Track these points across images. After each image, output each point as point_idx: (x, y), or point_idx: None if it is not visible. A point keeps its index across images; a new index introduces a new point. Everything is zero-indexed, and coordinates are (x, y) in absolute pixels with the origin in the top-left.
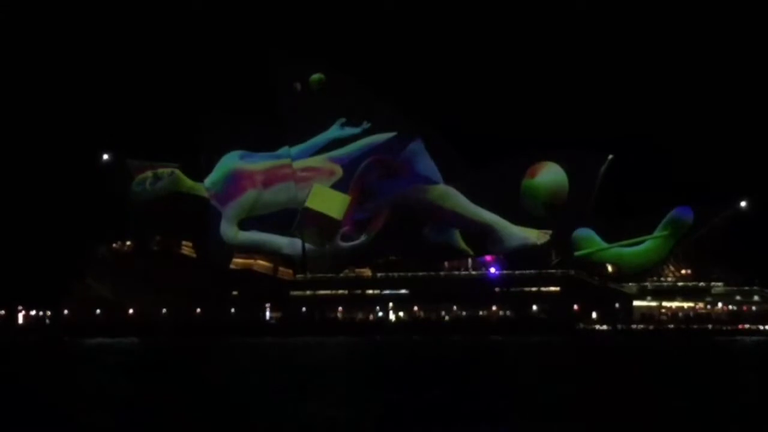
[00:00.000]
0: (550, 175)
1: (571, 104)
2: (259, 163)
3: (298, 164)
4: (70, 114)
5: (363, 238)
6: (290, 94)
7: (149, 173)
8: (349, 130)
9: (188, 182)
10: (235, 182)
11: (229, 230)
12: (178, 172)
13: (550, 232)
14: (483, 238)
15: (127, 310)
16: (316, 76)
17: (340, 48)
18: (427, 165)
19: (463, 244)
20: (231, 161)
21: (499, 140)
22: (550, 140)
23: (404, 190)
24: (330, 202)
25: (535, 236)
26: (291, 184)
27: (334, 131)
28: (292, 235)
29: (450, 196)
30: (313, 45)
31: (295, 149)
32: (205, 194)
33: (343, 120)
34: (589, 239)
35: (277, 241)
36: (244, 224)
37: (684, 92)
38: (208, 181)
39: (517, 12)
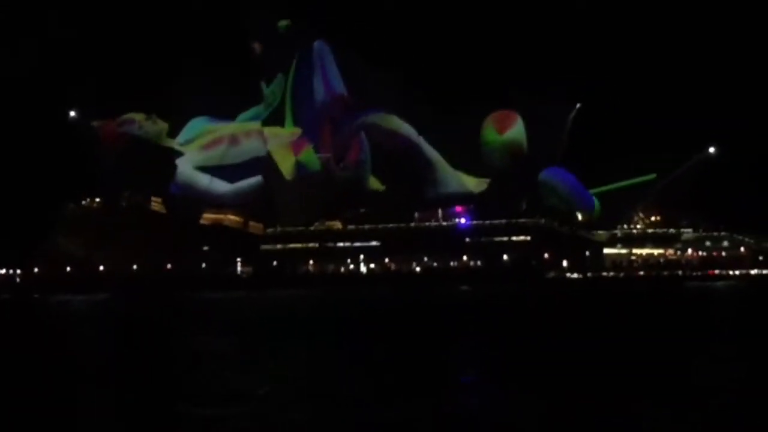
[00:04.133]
0: (517, 129)
1: (540, 50)
2: (227, 125)
3: (257, 126)
4: (37, 70)
5: (348, 171)
6: (251, 53)
7: (141, 115)
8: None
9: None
10: (206, 138)
11: (193, 174)
12: (162, 122)
13: (488, 180)
14: (418, 179)
15: (98, 267)
16: (283, 22)
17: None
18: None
19: (375, 184)
20: (200, 123)
21: (468, 86)
22: (519, 87)
23: (367, 116)
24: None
25: (473, 184)
26: (256, 141)
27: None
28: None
29: (403, 125)
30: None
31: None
32: (178, 148)
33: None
34: (549, 185)
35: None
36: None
37: (655, 36)
38: (181, 138)
39: None
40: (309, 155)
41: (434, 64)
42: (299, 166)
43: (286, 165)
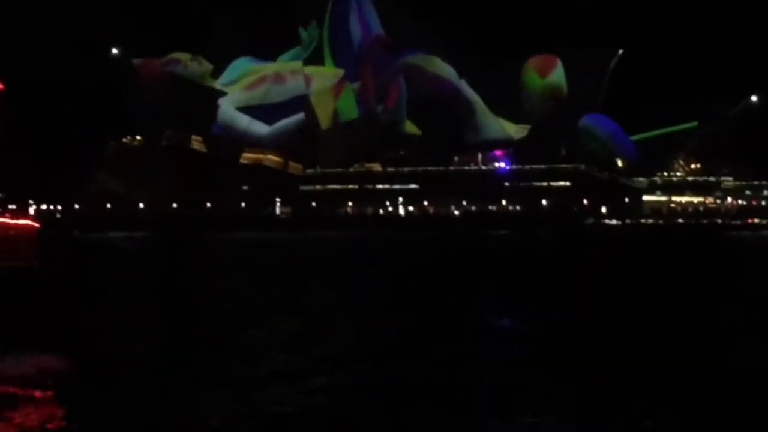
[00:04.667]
0: (558, 73)
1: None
2: (270, 65)
3: (299, 65)
4: (79, 8)
5: (388, 113)
6: None
7: (187, 56)
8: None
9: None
10: (250, 78)
11: (234, 115)
12: (207, 63)
13: (528, 126)
14: (459, 123)
15: (138, 205)
16: None
17: None
18: (369, 10)
19: (413, 128)
20: (244, 63)
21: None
22: (561, 32)
23: (408, 57)
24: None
25: (513, 130)
26: (300, 79)
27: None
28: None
29: (447, 69)
30: None
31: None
32: (221, 88)
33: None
34: (589, 131)
35: (258, 127)
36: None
37: None
38: (224, 79)
39: None
40: (348, 100)
41: (474, 7)
42: (339, 109)
43: (326, 107)
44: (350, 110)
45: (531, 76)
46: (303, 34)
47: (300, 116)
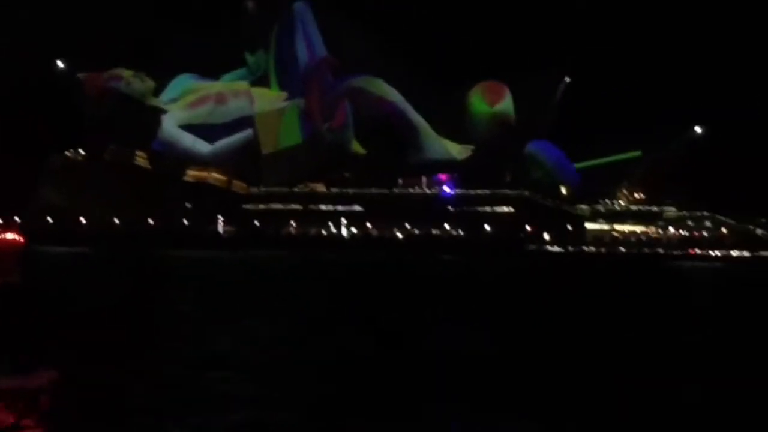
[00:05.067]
0: (507, 102)
1: (530, 22)
2: (213, 83)
3: (244, 85)
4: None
5: (332, 133)
6: (244, 12)
7: (129, 72)
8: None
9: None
10: (192, 96)
11: (176, 133)
12: (150, 80)
13: (472, 147)
14: (403, 144)
15: (80, 220)
16: None
17: None
18: (314, 32)
19: (359, 149)
20: (186, 81)
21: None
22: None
23: (353, 80)
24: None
25: (456, 151)
26: (243, 100)
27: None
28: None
29: (392, 91)
30: None
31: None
32: (163, 107)
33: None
34: (534, 158)
35: (204, 148)
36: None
37: (646, 14)
38: (166, 96)
39: None
40: (291, 125)
41: (420, 30)
42: (281, 134)
43: (269, 131)
44: (293, 135)
45: (478, 102)
46: (249, 59)
47: (244, 135)
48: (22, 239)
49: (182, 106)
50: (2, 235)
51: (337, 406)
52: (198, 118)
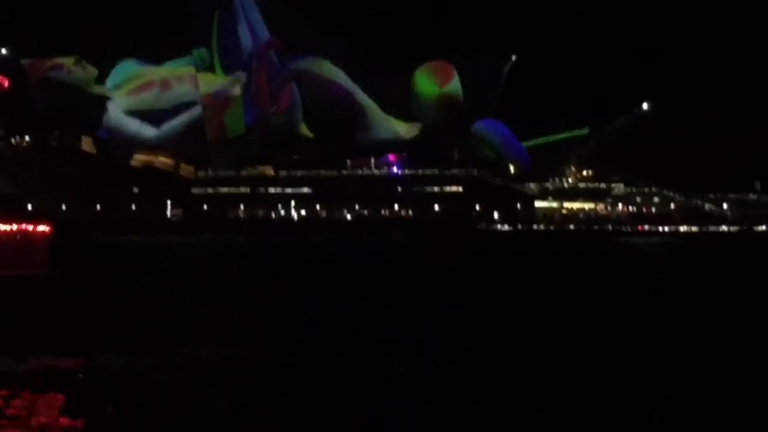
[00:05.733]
0: (455, 82)
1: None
2: (156, 69)
3: (188, 70)
4: None
5: (279, 116)
6: None
7: (70, 60)
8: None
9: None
10: (136, 82)
11: (121, 119)
12: (92, 68)
13: (419, 125)
14: (351, 124)
15: (27, 206)
16: None
17: None
18: (256, 17)
19: (307, 131)
20: (129, 66)
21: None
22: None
23: (299, 62)
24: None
25: (404, 129)
26: (188, 85)
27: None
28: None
29: (338, 72)
30: None
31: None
32: (107, 94)
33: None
34: (482, 136)
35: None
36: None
37: None
38: (110, 83)
39: None
40: (236, 113)
41: (363, 9)
42: (227, 123)
43: (214, 119)
44: (237, 124)
45: (425, 83)
46: (195, 53)
47: (189, 116)
48: (48, 228)
49: (126, 92)
50: (28, 225)
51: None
52: (143, 104)
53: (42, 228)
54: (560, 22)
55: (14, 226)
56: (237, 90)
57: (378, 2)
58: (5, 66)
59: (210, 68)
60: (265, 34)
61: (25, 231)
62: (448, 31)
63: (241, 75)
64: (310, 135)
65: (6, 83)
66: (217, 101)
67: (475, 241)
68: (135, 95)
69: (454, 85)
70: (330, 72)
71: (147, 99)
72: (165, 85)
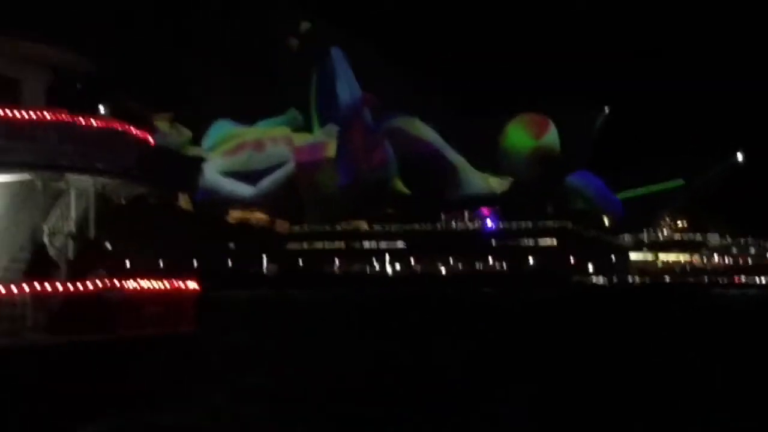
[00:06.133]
0: (552, 134)
1: (567, 53)
2: (250, 129)
3: (283, 131)
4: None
5: (375, 172)
6: (286, 50)
7: (166, 124)
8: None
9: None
10: (230, 143)
11: (216, 179)
12: (186, 130)
13: (510, 179)
14: (442, 182)
15: (125, 262)
16: (305, 24)
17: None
18: (347, 74)
19: (400, 186)
20: (224, 127)
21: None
22: (546, 89)
23: (391, 121)
24: (315, 152)
25: (495, 183)
26: (282, 146)
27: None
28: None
29: (426, 130)
30: None
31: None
32: (203, 155)
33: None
34: (576, 189)
35: (242, 189)
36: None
37: (685, 41)
38: (206, 144)
39: None
40: (328, 172)
41: (456, 65)
42: (319, 181)
43: (307, 178)
44: (331, 181)
45: (520, 136)
46: (289, 113)
47: (285, 171)
48: (197, 286)
49: (221, 153)
50: (179, 282)
51: None
52: (237, 164)
53: (192, 285)
54: (652, 74)
55: (166, 283)
56: (331, 147)
57: (468, 57)
58: (139, 120)
59: (303, 128)
60: (358, 91)
61: (177, 288)
62: (540, 83)
63: (334, 128)
64: (404, 190)
65: (150, 139)
66: (312, 157)
67: (570, 293)
68: (230, 156)
69: (551, 137)
70: (420, 130)
71: (241, 160)
72: (259, 145)
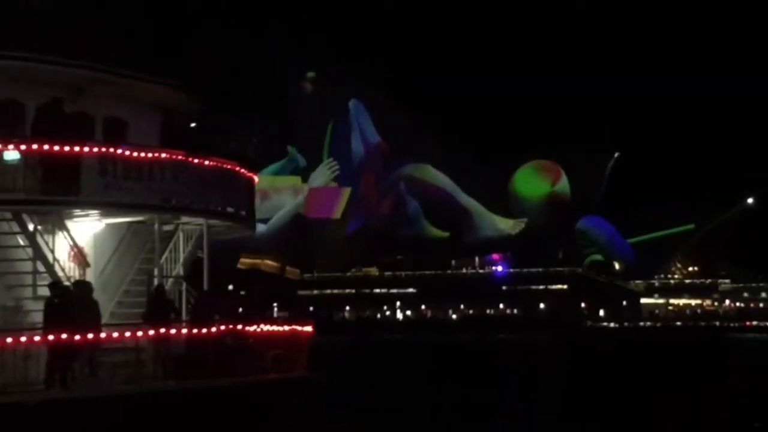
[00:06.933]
0: (564, 181)
1: (575, 100)
2: (261, 177)
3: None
4: None
5: (384, 219)
6: (300, 95)
7: None
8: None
9: None
10: None
11: None
12: None
13: (524, 220)
14: (457, 226)
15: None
16: (311, 74)
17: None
18: (368, 125)
19: (435, 231)
20: None
21: (503, 131)
22: (555, 134)
23: (403, 168)
24: (327, 201)
25: (509, 226)
26: (286, 196)
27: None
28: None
29: (438, 176)
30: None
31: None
32: None
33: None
34: (586, 234)
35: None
36: None
37: (690, 87)
38: None
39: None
40: (338, 220)
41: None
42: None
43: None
44: (342, 228)
45: (532, 182)
46: (290, 150)
47: (296, 204)
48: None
49: None
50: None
51: None
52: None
53: (307, 328)
54: (662, 118)
55: (286, 327)
56: (343, 193)
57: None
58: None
59: (304, 169)
60: (374, 136)
61: (295, 332)
62: (550, 128)
63: (341, 172)
64: (419, 236)
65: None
66: (322, 204)
67: (581, 339)
68: None
69: (564, 184)
70: (433, 177)
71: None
72: (264, 195)
